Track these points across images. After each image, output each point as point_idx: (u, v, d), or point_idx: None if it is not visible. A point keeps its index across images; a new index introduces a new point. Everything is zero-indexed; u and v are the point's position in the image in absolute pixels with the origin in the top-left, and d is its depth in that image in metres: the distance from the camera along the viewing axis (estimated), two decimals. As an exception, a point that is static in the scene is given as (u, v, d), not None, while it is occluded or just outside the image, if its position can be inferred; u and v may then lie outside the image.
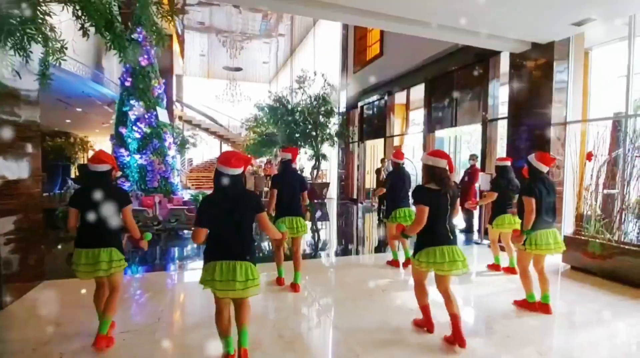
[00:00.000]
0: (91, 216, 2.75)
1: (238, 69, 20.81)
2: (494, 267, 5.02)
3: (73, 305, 3.70)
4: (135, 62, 8.20)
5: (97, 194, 2.74)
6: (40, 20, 2.49)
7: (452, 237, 2.95)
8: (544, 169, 3.58)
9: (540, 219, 3.51)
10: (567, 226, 5.77)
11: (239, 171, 2.54)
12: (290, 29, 18.42)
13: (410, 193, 4.06)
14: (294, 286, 4.24)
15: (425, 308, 3.18)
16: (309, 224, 8.79)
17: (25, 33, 2.39)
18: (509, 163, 4.89)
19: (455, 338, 2.90)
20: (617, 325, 3.46)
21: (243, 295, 2.49)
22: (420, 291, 3.15)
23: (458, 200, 3.10)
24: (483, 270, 5.06)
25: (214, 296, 2.57)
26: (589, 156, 4.99)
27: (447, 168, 2.92)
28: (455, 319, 2.92)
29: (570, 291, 4.34)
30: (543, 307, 3.61)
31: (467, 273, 3.04)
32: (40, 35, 2.52)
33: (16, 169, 3.78)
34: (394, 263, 5.22)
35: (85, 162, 18.65)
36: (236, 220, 2.51)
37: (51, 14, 2.63)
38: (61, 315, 3.45)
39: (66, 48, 2.58)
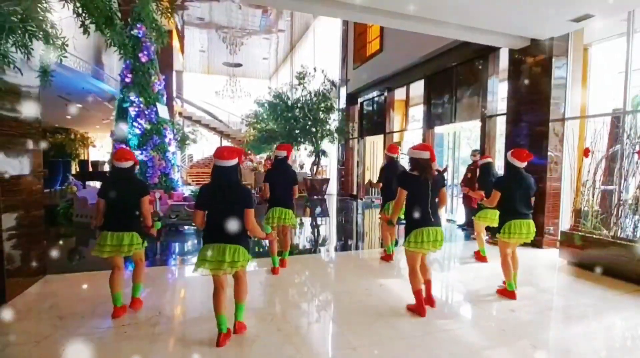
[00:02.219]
0: (116, 205, 3.21)
1: (238, 65, 20.71)
2: (479, 257, 5.29)
3: (74, 299, 3.75)
4: (134, 58, 8.23)
5: (122, 187, 3.23)
6: (41, 18, 2.51)
7: (433, 219, 3.32)
8: (519, 164, 3.83)
9: (513, 210, 3.81)
10: (564, 221, 5.82)
11: (231, 162, 2.77)
12: (290, 24, 18.33)
13: None
14: (282, 262, 4.77)
15: (418, 293, 3.40)
16: (308, 219, 8.84)
17: (26, 30, 2.41)
18: (490, 160, 5.33)
19: (428, 299, 3.49)
20: (612, 318, 3.50)
21: (230, 272, 2.82)
22: (415, 276, 3.40)
23: (444, 189, 3.45)
24: (480, 265, 5.11)
25: (212, 277, 2.84)
26: (586, 152, 5.03)
27: (429, 158, 3.29)
28: (428, 283, 3.55)
29: (566, 286, 4.39)
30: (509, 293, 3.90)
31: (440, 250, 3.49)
32: (41, 32, 2.54)
33: (18, 166, 3.82)
34: (386, 257, 5.29)
35: (86, 158, 18.73)
36: (227, 208, 2.76)
37: (52, 10, 2.65)
38: (63, 308, 3.50)
39: (67, 45, 2.60)
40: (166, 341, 2.98)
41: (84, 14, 2.53)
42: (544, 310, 3.66)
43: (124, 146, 8.49)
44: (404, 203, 3.38)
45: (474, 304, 3.84)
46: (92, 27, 2.63)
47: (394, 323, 3.27)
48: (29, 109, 3.96)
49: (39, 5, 2.55)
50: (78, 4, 2.50)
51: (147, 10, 2.66)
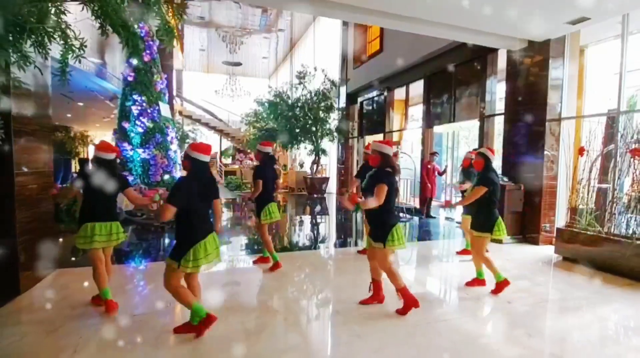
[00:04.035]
0: (102, 196, 3.25)
1: (238, 64, 20.79)
2: (464, 252, 5.42)
3: (85, 291, 3.84)
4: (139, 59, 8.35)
5: (106, 179, 3.23)
6: (55, 18, 2.60)
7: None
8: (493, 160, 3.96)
9: (496, 207, 3.88)
10: (560, 218, 5.96)
11: (209, 158, 2.92)
12: (290, 24, 18.42)
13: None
14: (264, 259, 4.84)
15: (404, 290, 3.36)
16: (308, 217, 8.87)
17: (45, 31, 2.52)
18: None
19: (378, 296, 3.53)
20: (605, 311, 3.64)
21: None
22: (396, 275, 3.38)
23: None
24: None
25: (187, 275, 2.88)
26: (581, 151, 5.16)
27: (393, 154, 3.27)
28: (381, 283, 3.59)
29: (561, 280, 4.52)
30: (479, 282, 4.12)
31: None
32: (57, 33, 2.64)
33: (30, 162, 3.92)
34: (364, 252, 5.29)
35: (85, 156, 18.76)
36: (206, 201, 2.93)
37: (66, 12, 2.75)
38: (74, 300, 3.61)
39: (86, 46, 2.70)
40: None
41: (101, 17, 2.63)
42: (539, 302, 3.79)
43: (126, 144, 8.60)
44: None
45: (471, 296, 3.96)
46: (109, 28, 2.73)
47: (396, 313, 3.39)
48: (40, 108, 4.07)
49: (55, 6, 2.65)
50: (96, 7, 2.61)
51: (160, 13, 2.75)
